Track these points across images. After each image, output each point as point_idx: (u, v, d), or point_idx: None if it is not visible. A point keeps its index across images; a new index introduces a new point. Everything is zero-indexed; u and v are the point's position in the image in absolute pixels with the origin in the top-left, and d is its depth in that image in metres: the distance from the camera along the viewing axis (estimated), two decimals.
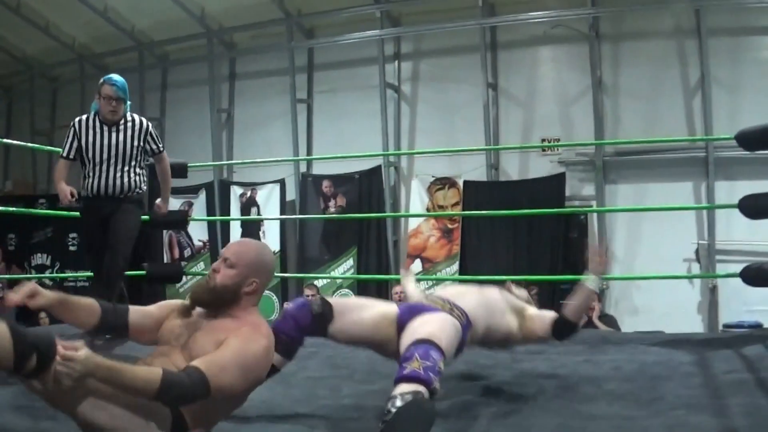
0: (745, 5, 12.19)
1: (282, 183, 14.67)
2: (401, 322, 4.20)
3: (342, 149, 13.16)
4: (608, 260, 4.61)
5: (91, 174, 6.59)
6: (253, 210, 14.85)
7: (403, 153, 14.15)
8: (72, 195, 6.46)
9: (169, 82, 16.71)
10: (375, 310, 4.35)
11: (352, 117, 14.51)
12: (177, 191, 14.91)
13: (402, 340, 4.03)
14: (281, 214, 14.57)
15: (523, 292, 5.22)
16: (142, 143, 6.76)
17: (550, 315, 4.83)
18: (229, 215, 14.95)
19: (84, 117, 6.72)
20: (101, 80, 6.65)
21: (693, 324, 11.66)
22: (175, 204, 14.84)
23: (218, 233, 14.99)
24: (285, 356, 4.14)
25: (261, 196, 14.83)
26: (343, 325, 4.26)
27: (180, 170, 9.08)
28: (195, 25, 15.27)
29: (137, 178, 6.72)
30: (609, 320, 10.82)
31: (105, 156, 6.56)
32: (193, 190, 15.04)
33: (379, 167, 14.01)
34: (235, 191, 15.06)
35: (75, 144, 6.62)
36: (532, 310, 4.93)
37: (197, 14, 15.05)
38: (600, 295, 11.31)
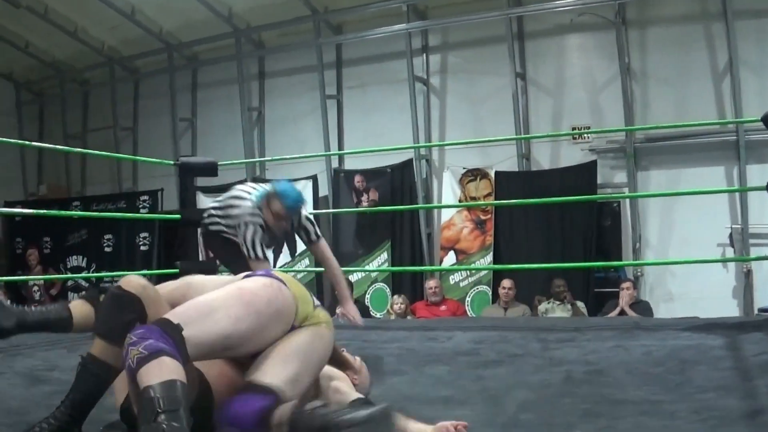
0: None
1: (314, 179, 14.69)
2: None
3: (373, 144, 13.25)
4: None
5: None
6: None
7: (433, 145, 14.13)
8: None
9: (199, 83, 16.77)
10: None
11: (381, 111, 14.56)
12: (209, 190, 15.06)
13: None
14: (314, 209, 14.61)
15: None
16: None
17: None
18: None
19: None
20: (272, 190, 6.21)
21: (728, 309, 11.59)
22: (207, 203, 14.96)
23: None
24: None
25: None
26: None
27: (210, 169, 9.19)
28: (223, 24, 15.32)
29: None
30: (642, 306, 10.81)
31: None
32: (226, 189, 15.08)
33: (410, 160, 14.02)
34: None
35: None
36: None
37: (224, 14, 15.09)
38: (635, 283, 11.29)
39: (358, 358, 3.96)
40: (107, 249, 16.48)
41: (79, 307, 3.50)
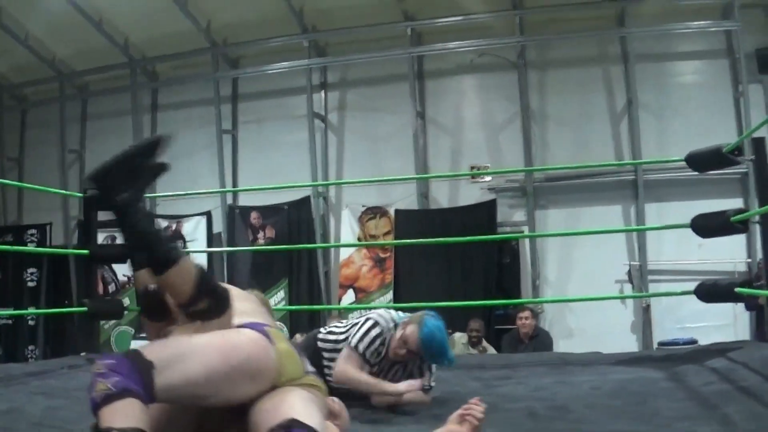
0: (669, 32, 12.53)
1: (208, 215, 14.53)
2: None
3: (269, 180, 13.11)
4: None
5: None
6: (179, 243, 14.65)
7: (333, 183, 14.15)
8: None
9: (90, 114, 16.38)
10: None
11: (279, 147, 14.48)
12: (102, 225, 14.70)
13: None
14: (208, 247, 14.40)
15: None
16: None
17: None
18: None
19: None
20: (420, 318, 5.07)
21: (628, 344, 11.80)
22: (100, 238, 14.62)
23: None
24: None
25: (187, 228, 14.64)
26: None
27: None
28: (118, 54, 15.06)
29: None
30: (541, 338, 10.78)
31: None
32: (116, 224, 14.77)
33: (308, 198, 13.96)
34: (160, 224, 14.81)
35: None
36: None
37: (120, 43, 14.84)
38: (533, 312, 11.33)
39: (336, 400, 3.86)
40: None
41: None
